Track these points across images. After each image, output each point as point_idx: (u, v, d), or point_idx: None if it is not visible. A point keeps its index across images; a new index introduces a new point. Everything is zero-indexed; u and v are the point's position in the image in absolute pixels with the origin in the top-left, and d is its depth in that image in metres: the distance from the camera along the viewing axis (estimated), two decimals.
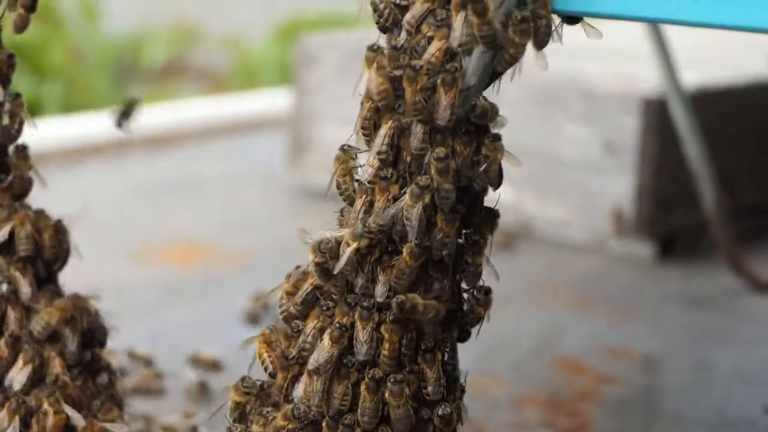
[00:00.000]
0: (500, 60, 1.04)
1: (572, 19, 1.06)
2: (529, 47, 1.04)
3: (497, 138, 1.07)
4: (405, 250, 1.06)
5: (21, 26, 1.24)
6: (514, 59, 1.04)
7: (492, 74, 1.07)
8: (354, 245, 1.06)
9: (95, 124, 3.10)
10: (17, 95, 1.27)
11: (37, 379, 1.25)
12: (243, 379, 1.15)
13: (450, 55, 1.04)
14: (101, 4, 4.69)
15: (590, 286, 2.19)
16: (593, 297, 2.12)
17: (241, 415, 1.15)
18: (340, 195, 1.11)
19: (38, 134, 1.31)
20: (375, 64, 1.06)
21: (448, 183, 1.05)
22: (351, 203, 1.10)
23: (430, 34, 1.05)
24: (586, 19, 1.07)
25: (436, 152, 1.05)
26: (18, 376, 1.24)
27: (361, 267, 1.07)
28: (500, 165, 1.08)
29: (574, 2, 1.03)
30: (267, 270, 2.11)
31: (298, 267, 1.14)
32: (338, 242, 1.07)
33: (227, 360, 1.74)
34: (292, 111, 2.78)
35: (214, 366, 1.73)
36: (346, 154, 1.11)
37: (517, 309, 2.03)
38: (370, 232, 1.06)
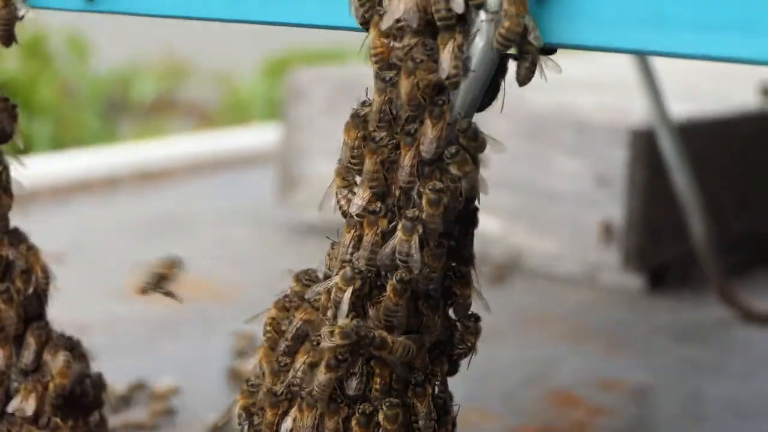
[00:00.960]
0: (496, 39, 1.00)
1: (546, 50, 1.03)
2: (514, 85, 1.03)
3: (456, 152, 1.03)
4: (388, 288, 1.05)
5: (7, 19, 1.17)
6: (510, 33, 0.99)
7: (496, 76, 1.05)
8: (349, 290, 1.05)
9: (85, 161, 3.10)
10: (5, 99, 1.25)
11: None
12: (247, 381, 1.15)
13: (438, 88, 1.04)
14: (90, 41, 4.70)
15: (581, 318, 2.18)
16: (584, 329, 2.12)
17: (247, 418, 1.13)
18: (338, 205, 1.09)
19: (27, 171, 1.30)
20: (377, 27, 1.03)
21: (438, 216, 1.04)
22: (345, 216, 1.08)
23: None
24: (560, 51, 1.04)
25: (432, 184, 1.03)
26: (25, 405, 1.23)
27: (355, 304, 1.06)
28: (478, 174, 1.05)
29: (560, 34, 1.01)
30: (257, 306, 2.09)
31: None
32: (328, 290, 1.06)
33: (215, 397, 1.73)
34: (282, 146, 2.78)
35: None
36: (347, 171, 1.08)
37: (508, 341, 2.02)
38: (359, 272, 1.05)
